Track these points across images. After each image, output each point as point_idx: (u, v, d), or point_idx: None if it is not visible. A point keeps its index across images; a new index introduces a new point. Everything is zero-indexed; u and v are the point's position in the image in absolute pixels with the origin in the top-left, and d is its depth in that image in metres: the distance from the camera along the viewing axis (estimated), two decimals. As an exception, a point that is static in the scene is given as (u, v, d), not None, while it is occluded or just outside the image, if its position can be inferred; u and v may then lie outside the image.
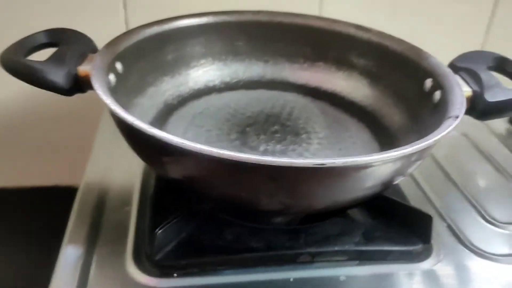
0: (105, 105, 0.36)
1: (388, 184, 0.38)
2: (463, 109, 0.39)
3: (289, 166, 0.31)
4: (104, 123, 0.59)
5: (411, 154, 0.34)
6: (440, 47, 0.51)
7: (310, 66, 0.59)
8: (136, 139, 0.37)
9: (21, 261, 0.69)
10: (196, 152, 0.31)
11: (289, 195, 0.34)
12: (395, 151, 0.33)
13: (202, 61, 0.57)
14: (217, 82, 0.58)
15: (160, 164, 0.36)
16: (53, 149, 0.71)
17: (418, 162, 0.38)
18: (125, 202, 0.46)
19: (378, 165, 0.34)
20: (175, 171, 0.36)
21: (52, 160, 0.72)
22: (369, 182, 0.36)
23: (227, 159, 0.31)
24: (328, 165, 0.31)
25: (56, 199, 0.75)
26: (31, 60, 0.41)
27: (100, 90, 0.38)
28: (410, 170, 0.39)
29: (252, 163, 0.31)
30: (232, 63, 0.58)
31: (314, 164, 0.31)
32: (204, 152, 0.31)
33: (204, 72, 0.57)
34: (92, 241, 0.41)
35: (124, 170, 0.51)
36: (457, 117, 0.38)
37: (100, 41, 0.47)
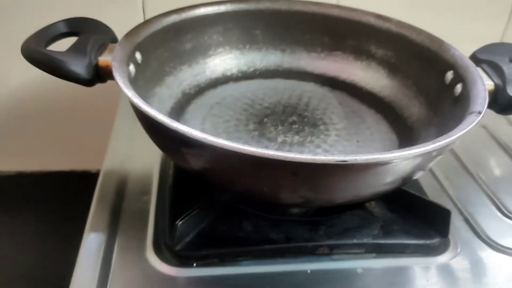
0: (125, 96, 0.37)
1: (408, 179, 0.38)
2: (486, 105, 0.39)
3: (311, 163, 0.31)
4: (121, 110, 0.60)
5: (433, 151, 0.34)
6: (459, 38, 0.51)
7: (328, 55, 0.58)
8: (158, 133, 0.37)
9: (39, 244, 0.71)
10: (218, 147, 0.31)
11: (310, 189, 0.34)
12: (417, 148, 0.33)
13: (220, 50, 0.57)
14: (234, 71, 0.57)
15: (182, 157, 0.36)
16: (70, 135, 0.72)
17: (438, 158, 0.38)
18: (144, 190, 0.47)
19: (399, 161, 0.34)
20: (196, 164, 0.36)
21: (70, 145, 0.73)
22: (390, 178, 0.36)
23: (250, 155, 0.31)
24: (350, 162, 0.31)
25: (73, 183, 0.76)
26: (53, 51, 0.41)
27: (122, 83, 0.38)
28: (430, 165, 0.39)
29: (276, 159, 0.31)
30: (249, 52, 0.58)
31: (336, 161, 0.31)
32: (227, 148, 0.31)
33: (221, 61, 0.57)
34: (113, 229, 0.42)
35: (143, 159, 0.51)
36: (479, 112, 0.38)
37: (117, 30, 0.47)
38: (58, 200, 0.72)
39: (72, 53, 0.42)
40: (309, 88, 0.57)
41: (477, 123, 0.37)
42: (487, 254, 0.43)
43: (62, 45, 0.44)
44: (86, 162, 0.75)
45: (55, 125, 0.72)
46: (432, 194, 0.48)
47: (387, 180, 0.36)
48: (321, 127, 0.51)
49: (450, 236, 0.43)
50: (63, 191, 0.74)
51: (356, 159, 0.31)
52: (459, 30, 0.62)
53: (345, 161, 0.31)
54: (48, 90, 0.68)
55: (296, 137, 0.48)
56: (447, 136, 0.34)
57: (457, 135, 0.35)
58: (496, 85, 0.43)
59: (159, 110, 0.47)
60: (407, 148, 0.33)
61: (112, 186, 0.47)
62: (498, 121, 0.62)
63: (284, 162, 0.31)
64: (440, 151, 0.36)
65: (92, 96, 0.66)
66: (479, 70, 0.45)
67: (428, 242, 0.42)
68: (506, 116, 0.63)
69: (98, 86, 0.47)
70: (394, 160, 0.33)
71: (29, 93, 0.68)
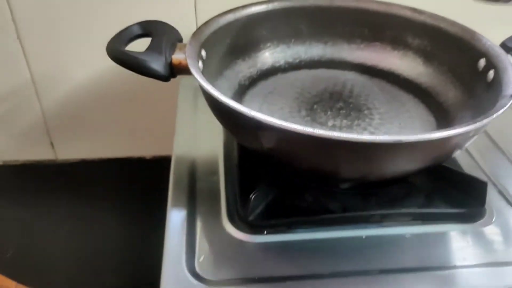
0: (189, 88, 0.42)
1: (448, 157, 0.44)
2: (517, 88, 0.44)
3: (371, 142, 0.37)
4: (182, 100, 0.66)
5: (471, 131, 0.40)
6: (489, 28, 0.55)
7: (367, 46, 0.64)
8: (235, 121, 0.44)
9: (122, 229, 0.78)
10: (292, 131, 0.37)
11: (367, 166, 0.41)
12: (459, 128, 0.38)
13: (268, 44, 0.63)
14: (282, 62, 0.63)
15: (255, 141, 0.42)
16: (136, 124, 0.79)
17: (475, 137, 0.44)
18: (213, 171, 0.53)
19: (443, 140, 0.39)
20: (268, 146, 0.42)
21: (137, 134, 0.80)
22: (433, 155, 0.42)
23: (319, 137, 0.37)
24: (404, 141, 0.37)
25: (144, 169, 0.83)
26: (135, 52, 0.48)
27: (200, 78, 0.44)
28: (467, 144, 0.44)
29: (339, 140, 0.37)
30: (294, 45, 0.64)
31: (394, 141, 0.37)
32: (299, 131, 0.37)
33: (270, 54, 0.63)
34: (192, 207, 0.48)
35: (207, 143, 0.58)
36: (511, 96, 0.43)
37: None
38: (122, 185, 0.80)
39: (151, 52, 0.48)
40: (351, 77, 0.63)
41: (509, 105, 0.42)
42: (519, 221, 0.48)
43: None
44: (140, 149, 0.82)
45: (115, 114, 0.78)
46: (468, 169, 0.53)
47: (431, 157, 0.42)
48: (366, 111, 0.56)
49: (486, 206, 0.49)
50: (123, 176, 0.81)
51: (409, 139, 0.37)
52: (489, 18, 0.66)
53: (400, 140, 0.37)
54: (109, 82, 0.74)
55: (345, 121, 0.54)
56: (484, 117, 0.40)
57: (492, 116, 0.40)
58: (525, 71, 0.48)
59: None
60: (451, 128, 0.38)
61: (184, 170, 0.54)
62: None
63: (347, 142, 0.37)
64: (477, 131, 0.42)
65: (151, 87, 0.73)
66: (510, 57, 0.50)
67: (466, 211, 0.47)
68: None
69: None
70: (440, 139, 0.39)
71: (93, 86, 0.74)
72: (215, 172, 0.53)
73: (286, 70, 0.63)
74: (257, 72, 0.62)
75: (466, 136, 0.42)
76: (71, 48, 0.70)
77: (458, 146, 0.44)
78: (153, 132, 0.80)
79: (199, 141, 0.58)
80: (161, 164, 0.58)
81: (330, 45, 0.65)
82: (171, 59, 0.49)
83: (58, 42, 0.69)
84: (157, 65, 0.48)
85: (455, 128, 0.38)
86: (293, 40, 0.64)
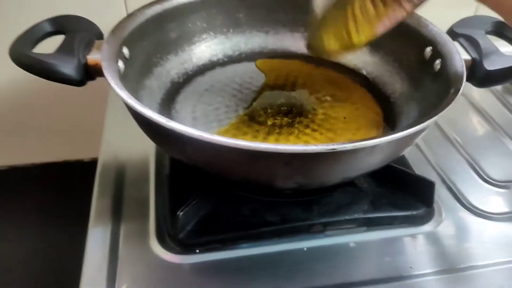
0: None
1: (394, 157, 0.41)
2: (463, 82, 0.41)
3: (302, 152, 0.33)
4: (112, 100, 0.60)
5: (416, 132, 0.36)
6: (436, 13, 0.52)
7: (312, 35, 0.59)
8: (154, 131, 0.39)
9: (43, 235, 0.73)
10: (214, 143, 0.33)
11: (303, 176, 0.37)
12: (400, 132, 0.35)
13: (204, 35, 0.57)
14: (220, 56, 0.58)
15: (179, 153, 0.38)
16: (63, 127, 0.73)
17: (421, 136, 0.41)
18: (143, 178, 0.49)
19: (385, 144, 0.36)
20: (193, 159, 0.38)
21: (63, 137, 0.74)
22: (377, 158, 0.38)
23: (244, 149, 0.33)
24: (338, 150, 0.33)
25: (67, 172, 0.77)
26: (42, 54, 0.42)
27: (113, 83, 0.39)
28: (413, 143, 0.41)
29: (269, 152, 0.33)
30: (233, 36, 0.59)
31: (326, 150, 0.33)
32: (222, 143, 0.33)
33: (207, 47, 0.58)
34: (116, 219, 0.44)
35: (137, 146, 0.53)
36: (457, 90, 0.40)
37: (101, 23, 0.48)
38: (56, 190, 0.74)
39: (60, 54, 0.43)
40: (295, 67, 0.58)
41: (455, 101, 0.39)
42: (469, 220, 0.46)
43: (48, 44, 0.44)
44: (79, 152, 0.76)
45: (46, 117, 0.72)
46: (417, 165, 0.50)
47: (374, 161, 0.38)
48: (308, 106, 0.52)
49: (435, 205, 0.46)
50: (59, 181, 0.76)
51: (344, 146, 0.33)
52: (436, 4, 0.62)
53: (334, 149, 0.33)
54: (36, 83, 0.68)
55: (285, 119, 0.50)
56: (428, 117, 0.36)
57: (437, 115, 0.37)
58: (473, 59, 0.45)
59: (150, 103, 0.49)
60: (390, 133, 0.35)
61: (111, 176, 0.49)
62: (478, 89, 0.64)
63: (277, 153, 0.33)
64: (420, 132, 0.38)
65: (81, 88, 0.67)
66: (457, 44, 0.47)
67: (414, 213, 0.45)
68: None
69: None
70: (380, 145, 0.35)
71: (17, 88, 0.68)
72: (145, 179, 0.49)
73: (225, 63, 0.58)
74: (192, 67, 0.57)
75: (411, 137, 0.38)
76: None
77: (403, 147, 0.40)
78: (92, 133, 0.74)
79: (129, 144, 0.53)
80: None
81: (272, 35, 0.60)
82: (86, 60, 0.43)
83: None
84: (68, 68, 0.42)
85: (393, 133, 0.34)
86: (231, 30, 0.59)
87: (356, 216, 0.44)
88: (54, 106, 0.71)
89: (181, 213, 0.40)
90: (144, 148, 0.53)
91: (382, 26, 0.40)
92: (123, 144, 0.54)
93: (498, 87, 0.65)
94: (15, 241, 0.72)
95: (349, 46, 0.42)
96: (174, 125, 0.34)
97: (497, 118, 0.59)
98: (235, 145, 0.33)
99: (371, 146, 0.35)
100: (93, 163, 0.74)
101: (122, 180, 0.49)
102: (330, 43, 0.44)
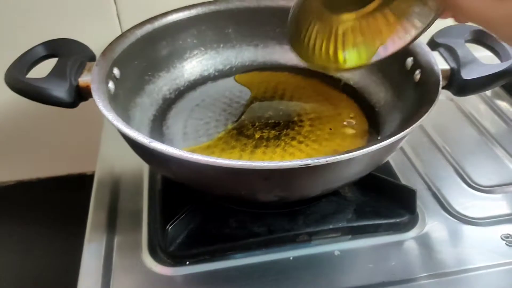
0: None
1: (374, 167, 0.42)
2: (439, 93, 0.42)
3: (278, 169, 0.34)
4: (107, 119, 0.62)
5: (390, 144, 0.37)
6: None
7: (299, 47, 0.61)
8: (141, 151, 0.41)
9: (44, 246, 0.75)
10: (192, 161, 0.35)
11: (282, 189, 0.38)
12: (373, 146, 0.36)
13: (195, 51, 0.59)
14: (211, 70, 0.60)
15: (165, 170, 0.40)
16: (66, 143, 0.75)
17: (399, 145, 0.42)
18: (136, 191, 0.51)
19: (360, 157, 0.37)
20: (177, 176, 0.40)
21: (66, 152, 0.76)
22: (354, 170, 0.40)
23: (222, 166, 0.34)
24: (312, 164, 0.34)
25: (70, 186, 0.80)
26: (34, 79, 0.44)
27: (101, 105, 0.41)
28: (390, 154, 0.42)
29: (246, 168, 0.34)
30: (223, 51, 0.61)
31: (300, 165, 0.34)
32: (200, 162, 0.35)
33: (198, 63, 0.60)
34: (111, 231, 0.46)
35: (132, 160, 0.54)
36: (431, 101, 0.41)
37: (96, 44, 0.50)
38: (60, 203, 0.76)
39: (52, 78, 0.45)
40: (283, 79, 0.60)
41: (430, 112, 0.40)
42: (453, 226, 0.47)
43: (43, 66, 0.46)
44: (82, 166, 0.78)
45: (50, 133, 0.75)
46: (402, 170, 0.52)
47: (353, 172, 0.40)
48: (295, 118, 0.54)
49: (419, 212, 0.47)
50: (63, 194, 0.78)
51: (317, 161, 0.35)
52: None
53: (308, 164, 0.34)
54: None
55: (272, 132, 0.52)
56: (401, 130, 0.38)
57: (410, 127, 0.38)
58: (451, 69, 0.46)
59: (142, 120, 0.51)
60: (363, 147, 0.36)
61: (106, 189, 0.51)
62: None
63: (254, 170, 0.35)
64: (398, 142, 0.40)
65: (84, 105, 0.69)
66: (436, 54, 0.48)
67: (398, 220, 0.46)
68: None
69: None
70: (355, 158, 0.36)
71: (16, 103, 0.70)
72: (139, 192, 0.51)
73: (216, 78, 0.60)
74: (184, 83, 0.58)
75: (386, 149, 0.39)
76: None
77: (382, 157, 0.42)
78: (93, 148, 0.76)
79: (125, 157, 0.55)
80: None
81: (261, 48, 0.62)
82: (78, 82, 0.45)
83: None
84: (60, 91, 0.44)
85: (365, 147, 0.36)
86: (221, 45, 0.61)
87: (341, 225, 0.45)
88: (57, 123, 0.74)
89: (170, 227, 0.42)
90: (138, 163, 0.54)
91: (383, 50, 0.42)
92: (118, 159, 0.56)
93: (487, 92, 0.66)
94: (22, 252, 0.74)
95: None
96: (156, 145, 0.36)
97: (485, 123, 0.60)
98: (214, 163, 0.35)
99: (346, 160, 0.36)
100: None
101: (117, 194, 0.51)
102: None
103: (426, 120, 0.56)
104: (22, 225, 0.76)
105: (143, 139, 0.37)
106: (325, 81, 0.59)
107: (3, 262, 0.73)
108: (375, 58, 0.42)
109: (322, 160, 0.35)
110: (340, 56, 0.44)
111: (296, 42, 0.47)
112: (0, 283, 0.71)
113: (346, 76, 0.58)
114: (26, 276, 0.71)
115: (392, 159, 0.53)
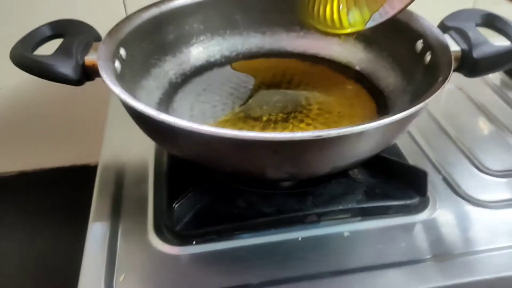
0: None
1: (385, 145, 0.41)
2: (451, 71, 0.41)
3: (289, 140, 0.34)
4: (113, 104, 0.62)
5: (402, 119, 0.37)
6: (431, 7, 0.53)
7: (307, 34, 0.60)
8: (147, 125, 0.40)
9: (48, 236, 0.74)
10: (201, 133, 0.34)
11: (292, 165, 0.37)
12: (386, 118, 0.35)
13: (202, 37, 0.59)
14: (217, 56, 0.60)
15: (172, 145, 0.39)
16: (67, 132, 0.75)
17: (409, 125, 0.41)
18: (141, 179, 0.50)
19: (371, 131, 0.36)
20: (185, 150, 0.39)
21: (70, 143, 0.76)
22: (366, 146, 0.39)
23: (232, 138, 0.34)
24: (324, 136, 0.34)
25: (74, 177, 0.79)
26: (40, 55, 0.44)
27: (108, 80, 0.40)
28: (403, 131, 0.41)
29: (256, 140, 0.34)
30: (230, 37, 0.60)
31: (311, 137, 0.33)
32: (210, 133, 0.34)
33: (204, 48, 0.59)
34: (115, 217, 0.45)
35: (137, 148, 0.54)
36: (445, 78, 0.40)
37: (102, 27, 0.49)
38: (64, 193, 0.76)
39: (58, 55, 0.44)
40: (291, 65, 0.60)
41: (447, 83, 0.39)
42: (464, 209, 0.46)
43: (49, 47, 0.46)
44: (86, 157, 0.78)
45: (54, 124, 0.74)
46: (411, 156, 0.51)
47: (362, 149, 0.39)
48: (304, 102, 0.53)
49: (429, 195, 0.46)
50: (67, 184, 0.77)
51: (329, 133, 0.34)
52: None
53: (320, 135, 0.34)
54: (44, 91, 0.70)
55: (280, 115, 0.51)
56: (413, 105, 0.37)
57: (422, 103, 0.37)
58: (462, 50, 0.46)
59: (148, 102, 0.50)
60: (376, 119, 0.35)
61: (110, 177, 0.50)
62: (474, 82, 0.64)
63: (264, 142, 0.34)
64: (410, 118, 0.39)
65: (83, 92, 0.69)
66: (447, 37, 0.47)
67: (408, 202, 0.45)
68: (482, 77, 0.65)
69: (89, 82, 0.50)
70: (366, 131, 0.36)
71: (21, 94, 0.70)
72: (144, 180, 0.50)
73: (223, 64, 0.60)
74: (190, 68, 0.58)
75: (398, 125, 0.39)
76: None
77: (392, 135, 0.41)
78: (97, 140, 0.76)
79: (130, 146, 0.55)
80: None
81: (268, 35, 0.61)
82: (84, 60, 0.45)
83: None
84: (66, 68, 0.43)
85: (378, 119, 0.35)
86: (228, 31, 0.60)
87: (350, 206, 0.44)
88: (61, 114, 0.73)
89: (177, 205, 0.41)
90: (143, 149, 0.54)
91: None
92: (123, 147, 0.55)
93: (496, 81, 0.65)
94: (26, 242, 0.74)
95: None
96: (164, 117, 0.35)
97: (494, 111, 0.59)
98: (224, 134, 0.34)
99: (358, 133, 0.36)
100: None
101: (122, 179, 0.50)
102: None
103: (436, 107, 0.56)
104: (26, 215, 0.75)
105: (151, 111, 0.36)
106: (333, 68, 0.59)
107: (8, 251, 0.73)
108: (378, 20, 0.42)
109: (334, 132, 0.34)
110: (345, 18, 0.43)
111: (305, 12, 0.47)
112: (4, 271, 0.70)
113: (354, 62, 0.57)
114: (30, 265, 0.71)
115: (402, 145, 0.52)
